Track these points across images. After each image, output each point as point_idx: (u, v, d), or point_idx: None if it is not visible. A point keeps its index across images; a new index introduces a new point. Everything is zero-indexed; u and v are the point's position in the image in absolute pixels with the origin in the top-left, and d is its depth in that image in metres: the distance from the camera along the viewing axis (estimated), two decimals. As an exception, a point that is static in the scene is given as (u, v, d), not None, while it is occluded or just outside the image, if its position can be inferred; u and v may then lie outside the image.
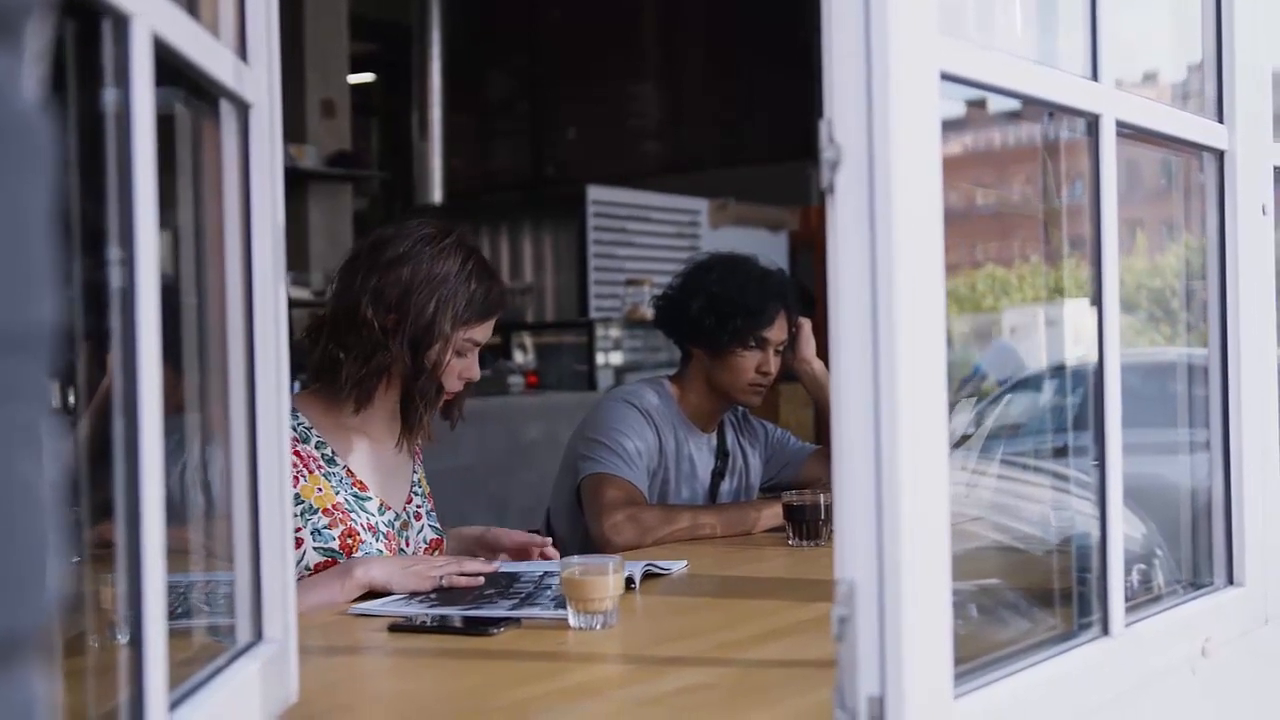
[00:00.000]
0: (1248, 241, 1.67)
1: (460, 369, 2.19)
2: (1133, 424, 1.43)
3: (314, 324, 2.19)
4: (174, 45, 0.99)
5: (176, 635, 1.04)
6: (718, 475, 2.89)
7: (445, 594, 1.97)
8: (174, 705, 0.99)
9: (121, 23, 0.89)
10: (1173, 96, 1.83)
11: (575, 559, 1.80)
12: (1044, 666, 1.30)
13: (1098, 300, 1.39)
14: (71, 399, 1.16)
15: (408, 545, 2.23)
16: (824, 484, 2.64)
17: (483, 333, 2.20)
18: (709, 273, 2.83)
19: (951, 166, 1.14)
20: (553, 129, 10.41)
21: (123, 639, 0.92)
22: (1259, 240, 1.69)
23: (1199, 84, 1.70)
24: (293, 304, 5.51)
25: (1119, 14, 1.41)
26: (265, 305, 1.26)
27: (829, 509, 2.43)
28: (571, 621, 1.75)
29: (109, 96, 0.90)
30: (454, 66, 9.05)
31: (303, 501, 2.08)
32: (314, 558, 2.08)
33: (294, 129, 7.04)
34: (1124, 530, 1.42)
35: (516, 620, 1.79)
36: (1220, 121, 1.66)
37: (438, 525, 2.33)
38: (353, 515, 2.13)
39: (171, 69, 1.01)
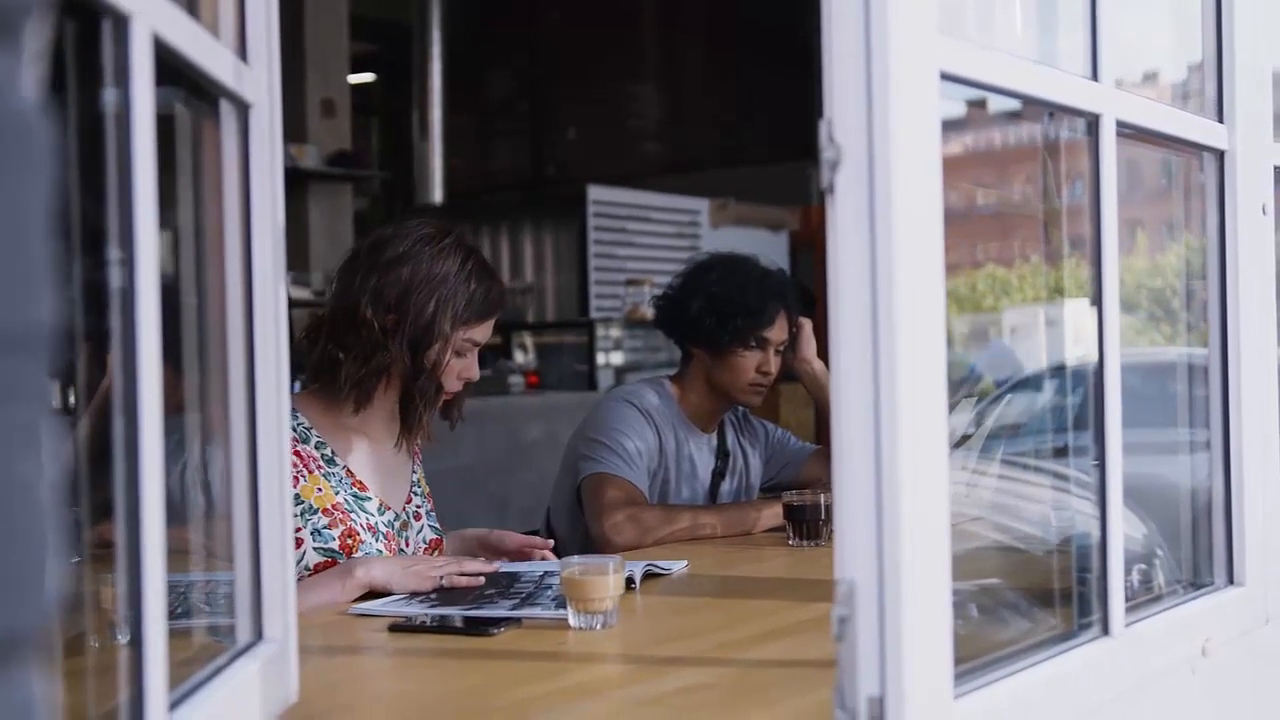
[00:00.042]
0: (1248, 241, 1.67)
1: (460, 369, 2.19)
2: (1133, 424, 1.43)
3: (313, 324, 2.19)
4: (174, 45, 0.99)
5: (176, 635, 1.04)
6: (718, 475, 2.89)
7: (445, 594, 1.97)
8: (174, 705, 0.99)
9: (121, 23, 0.89)
10: (1173, 96, 1.83)
11: (575, 559, 1.80)
12: (1044, 666, 1.30)
13: (1098, 300, 1.39)
14: (71, 399, 1.16)
15: (407, 545, 2.23)
16: (824, 484, 2.64)
17: (482, 333, 2.20)
18: (709, 273, 2.83)
19: (951, 166, 1.14)
20: (553, 129, 10.41)
21: (123, 639, 0.92)
22: (1259, 240, 1.69)
23: (1199, 84, 1.70)
24: (293, 304, 5.51)
25: (1119, 14, 1.41)
26: (265, 305, 1.26)
27: (829, 509, 2.43)
28: (572, 621, 1.75)
29: (109, 96, 0.90)
30: (454, 66, 9.05)
31: (303, 501, 2.09)
32: (314, 558, 2.08)
33: (294, 129, 7.04)
34: (1124, 530, 1.42)
35: (517, 620, 1.79)
36: (1220, 121, 1.66)
37: (437, 525, 2.33)
38: (352, 515, 2.13)
39: (171, 69, 1.01)
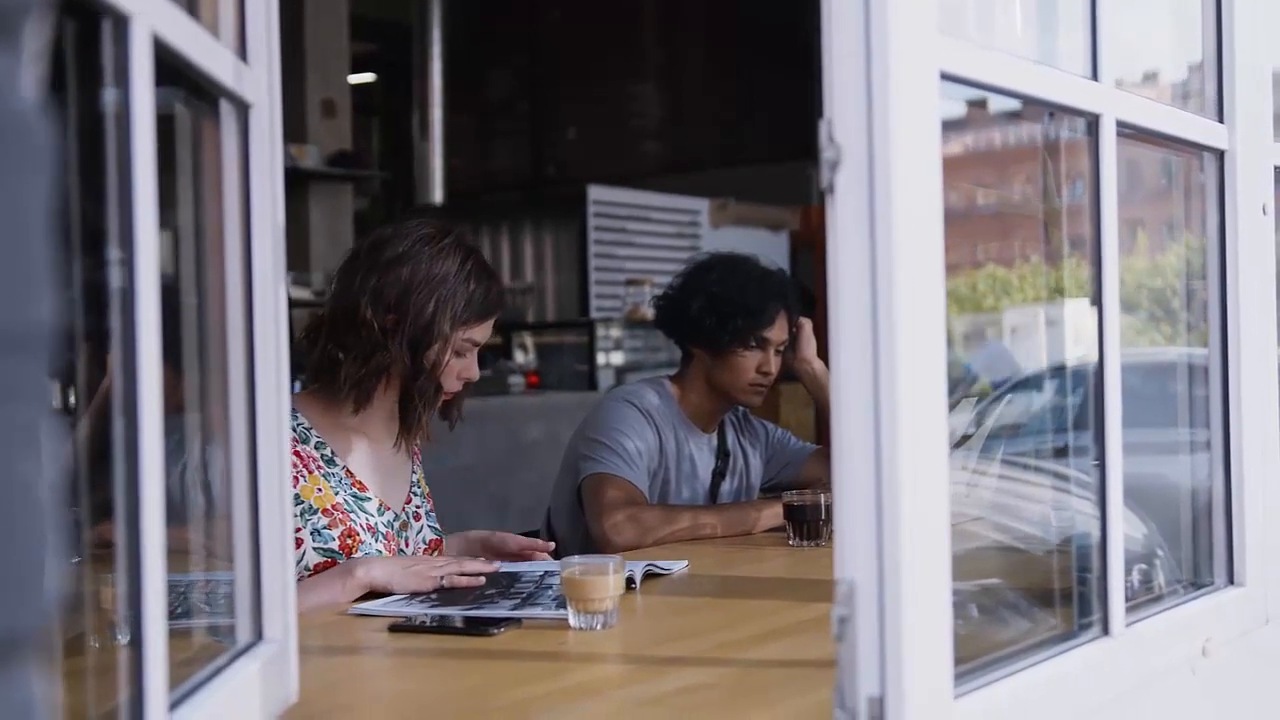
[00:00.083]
0: (1248, 241, 1.67)
1: (459, 369, 2.19)
2: (1133, 424, 1.42)
3: (313, 324, 2.19)
4: (174, 45, 0.99)
5: (176, 635, 1.04)
6: (718, 475, 2.89)
7: (446, 594, 1.97)
8: (174, 705, 0.99)
9: (121, 23, 0.89)
10: (1173, 96, 1.83)
11: (575, 559, 1.80)
12: (1044, 666, 1.29)
13: (1098, 300, 1.39)
14: (71, 399, 1.16)
15: (407, 545, 2.23)
16: (824, 484, 2.64)
17: (482, 333, 2.20)
18: (709, 273, 2.83)
19: (951, 166, 1.14)
20: (553, 129, 10.41)
21: (123, 639, 0.92)
22: (1259, 240, 1.69)
23: (1199, 84, 1.70)
24: (293, 304, 5.51)
25: (1119, 14, 1.41)
26: (265, 305, 1.26)
27: (829, 509, 2.43)
28: (572, 621, 1.75)
29: (109, 96, 0.90)
30: (454, 66, 9.05)
31: (302, 502, 2.09)
32: (314, 558, 2.08)
33: (294, 129, 7.04)
34: (1124, 530, 1.42)
35: (517, 620, 1.79)
36: (1220, 121, 1.66)
37: (437, 525, 2.33)
38: (352, 516, 2.13)
39: (171, 69, 1.01)
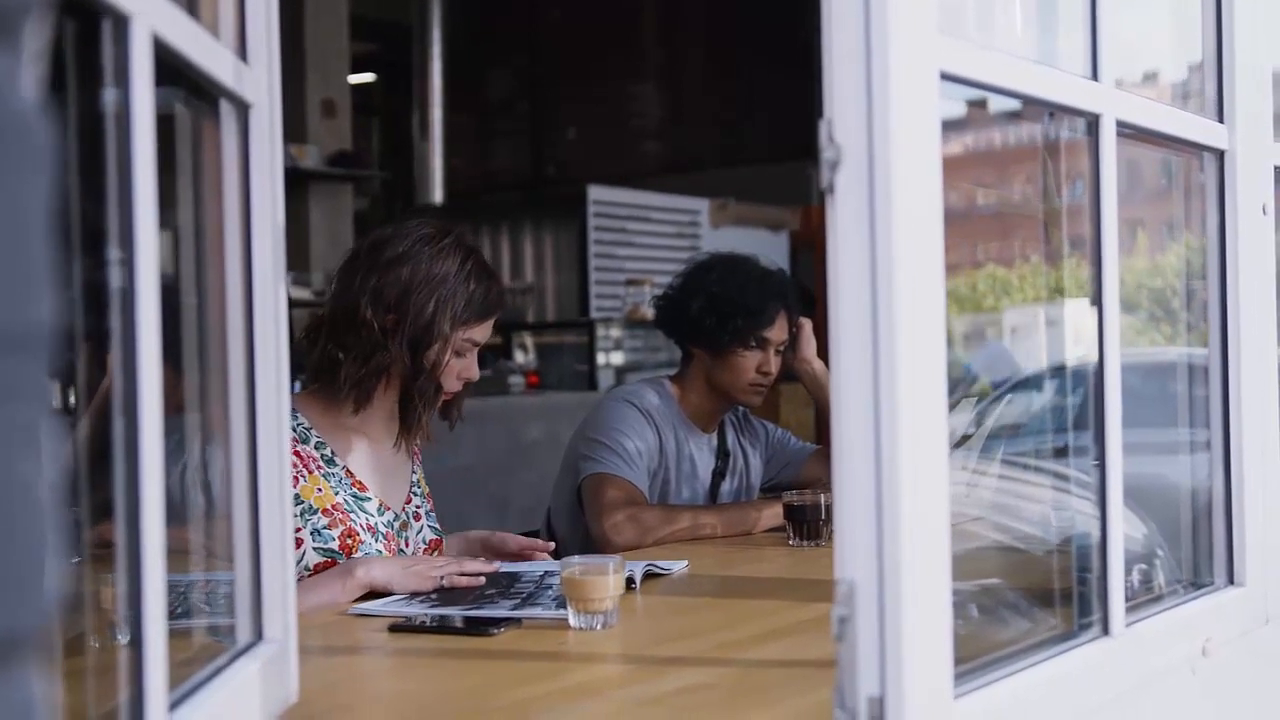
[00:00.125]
0: (1248, 241, 1.67)
1: (459, 369, 2.19)
2: (1133, 424, 1.42)
3: (313, 324, 2.19)
4: (174, 45, 0.99)
5: (176, 635, 1.04)
6: (718, 475, 2.89)
7: (446, 594, 1.97)
8: (174, 705, 0.99)
9: (121, 23, 0.89)
10: (1173, 96, 1.83)
11: (575, 559, 1.80)
12: (1044, 666, 1.29)
13: (1098, 300, 1.39)
14: (71, 399, 1.16)
15: (407, 545, 2.23)
16: (824, 484, 2.64)
17: (482, 333, 2.20)
18: (709, 273, 2.83)
19: (951, 166, 1.14)
20: (553, 129, 10.41)
21: (123, 639, 0.92)
22: (1259, 240, 1.69)
23: (1199, 84, 1.70)
24: (293, 304, 5.51)
25: (1119, 14, 1.41)
26: (265, 305, 1.26)
27: (829, 509, 2.43)
28: (572, 621, 1.75)
29: (109, 96, 0.90)
30: (454, 66, 9.05)
31: (302, 502, 2.09)
32: (314, 558, 2.08)
33: (294, 129, 7.04)
34: (1124, 530, 1.42)
35: (517, 620, 1.79)
36: (1220, 121, 1.66)
37: (437, 525, 2.33)
38: (352, 516, 2.13)
39: (171, 69, 1.01)
